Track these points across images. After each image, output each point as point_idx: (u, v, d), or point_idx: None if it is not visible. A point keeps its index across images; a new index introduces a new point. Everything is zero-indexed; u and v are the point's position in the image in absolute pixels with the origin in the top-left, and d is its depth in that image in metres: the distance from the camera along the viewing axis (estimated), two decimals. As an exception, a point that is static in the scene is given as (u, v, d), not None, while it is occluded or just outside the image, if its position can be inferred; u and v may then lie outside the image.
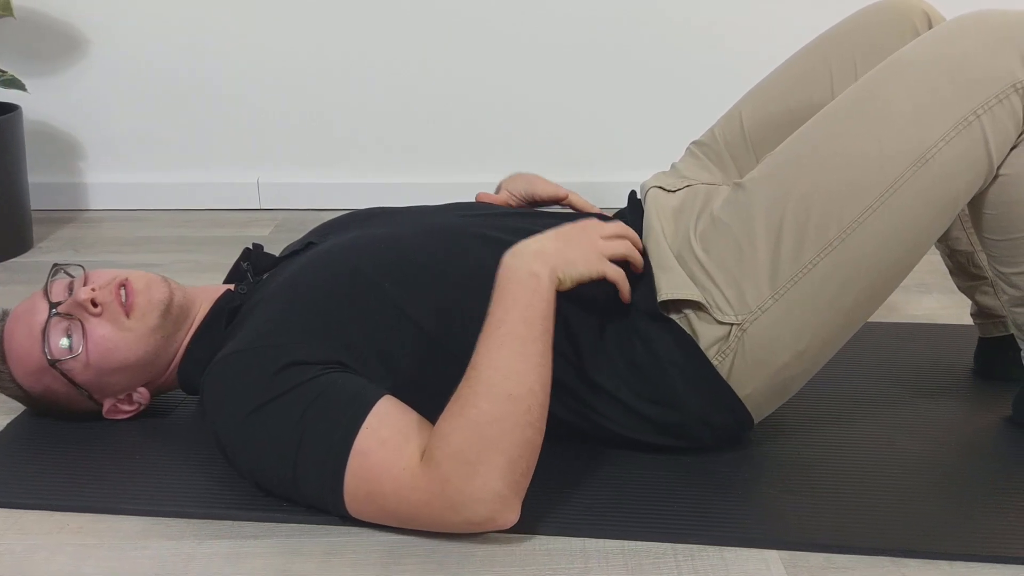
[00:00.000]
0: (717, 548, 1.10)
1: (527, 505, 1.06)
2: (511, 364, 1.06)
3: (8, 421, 1.36)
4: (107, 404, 1.30)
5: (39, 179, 2.39)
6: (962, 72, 1.12)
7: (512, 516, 1.05)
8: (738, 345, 1.16)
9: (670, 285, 1.17)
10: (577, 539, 1.11)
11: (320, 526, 1.13)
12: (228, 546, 1.10)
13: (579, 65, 2.37)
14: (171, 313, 1.25)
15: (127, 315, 1.22)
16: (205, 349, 1.25)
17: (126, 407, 1.31)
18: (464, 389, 1.06)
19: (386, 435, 1.06)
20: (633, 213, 1.33)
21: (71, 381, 1.23)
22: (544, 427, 1.07)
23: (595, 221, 1.19)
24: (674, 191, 1.33)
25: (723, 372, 1.17)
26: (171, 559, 1.08)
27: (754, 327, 1.15)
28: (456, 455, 1.03)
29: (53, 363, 1.21)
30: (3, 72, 2.04)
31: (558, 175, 2.41)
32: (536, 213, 1.36)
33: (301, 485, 1.09)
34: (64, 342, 1.21)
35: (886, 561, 1.08)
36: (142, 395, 1.30)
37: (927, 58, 1.14)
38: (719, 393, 1.18)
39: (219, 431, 1.14)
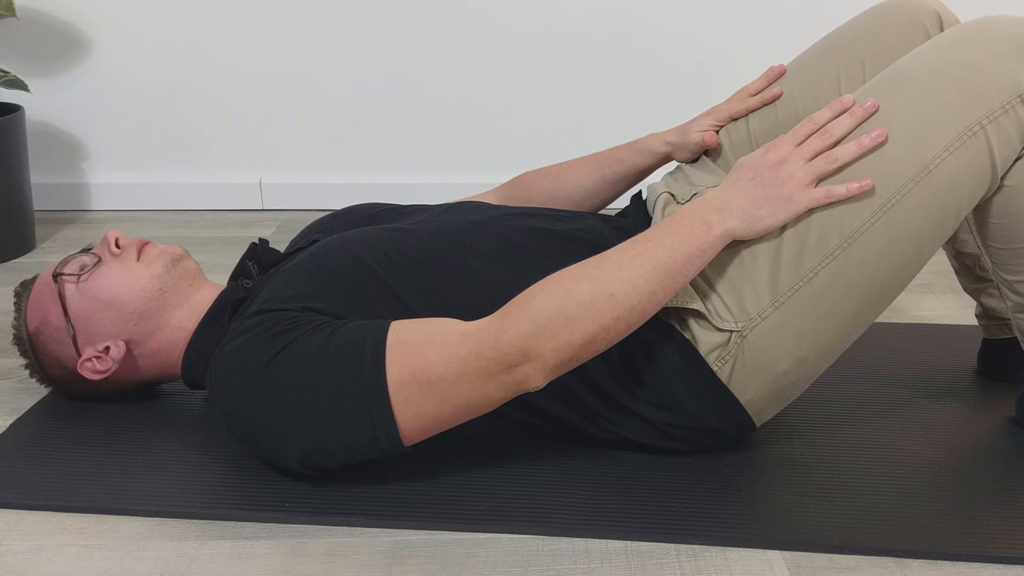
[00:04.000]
0: (720, 548, 1.10)
1: (529, 506, 1.06)
2: (632, 273, 1.08)
3: (10, 422, 1.36)
4: (84, 355, 1.29)
5: (42, 179, 2.39)
6: (967, 82, 1.10)
7: (541, 381, 1.07)
8: (738, 352, 1.15)
9: None
10: (580, 540, 1.11)
11: (323, 527, 1.13)
12: (230, 547, 1.10)
13: (572, 72, 2.37)
14: (176, 269, 1.30)
15: (137, 259, 1.30)
16: (209, 341, 1.25)
17: (100, 366, 1.29)
18: (579, 266, 1.09)
19: (415, 326, 1.09)
20: (637, 216, 1.33)
21: (64, 308, 1.27)
22: (604, 350, 1.10)
23: (789, 150, 1.13)
24: (683, 203, 1.31)
25: (723, 378, 1.17)
26: (173, 560, 1.08)
27: (754, 334, 1.15)
28: (529, 312, 1.05)
29: (56, 275, 1.29)
30: (5, 73, 2.04)
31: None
32: (536, 213, 1.33)
33: (337, 407, 1.07)
34: (75, 267, 1.30)
35: (889, 562, 1.07)
36: (119, 349, 1.28)
37: (931, 67, 1.13)
38: (719, 398, 1.18)
39: (234, 406, 1.12)
